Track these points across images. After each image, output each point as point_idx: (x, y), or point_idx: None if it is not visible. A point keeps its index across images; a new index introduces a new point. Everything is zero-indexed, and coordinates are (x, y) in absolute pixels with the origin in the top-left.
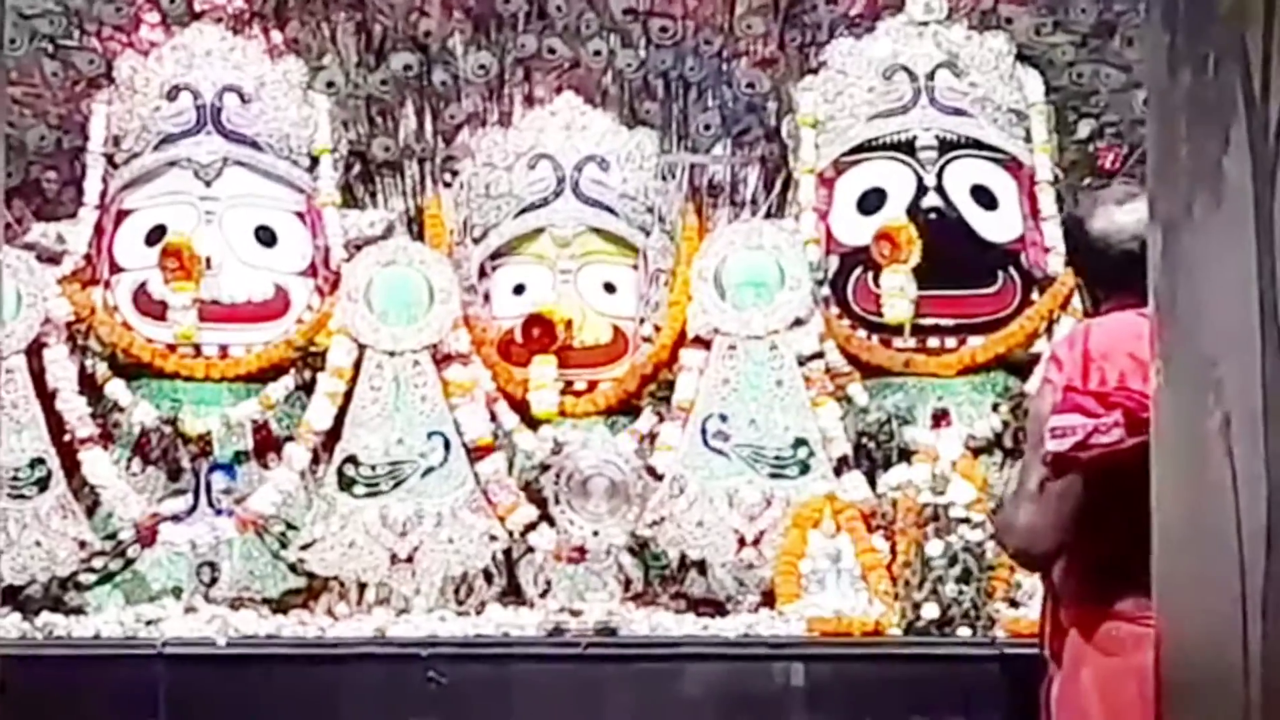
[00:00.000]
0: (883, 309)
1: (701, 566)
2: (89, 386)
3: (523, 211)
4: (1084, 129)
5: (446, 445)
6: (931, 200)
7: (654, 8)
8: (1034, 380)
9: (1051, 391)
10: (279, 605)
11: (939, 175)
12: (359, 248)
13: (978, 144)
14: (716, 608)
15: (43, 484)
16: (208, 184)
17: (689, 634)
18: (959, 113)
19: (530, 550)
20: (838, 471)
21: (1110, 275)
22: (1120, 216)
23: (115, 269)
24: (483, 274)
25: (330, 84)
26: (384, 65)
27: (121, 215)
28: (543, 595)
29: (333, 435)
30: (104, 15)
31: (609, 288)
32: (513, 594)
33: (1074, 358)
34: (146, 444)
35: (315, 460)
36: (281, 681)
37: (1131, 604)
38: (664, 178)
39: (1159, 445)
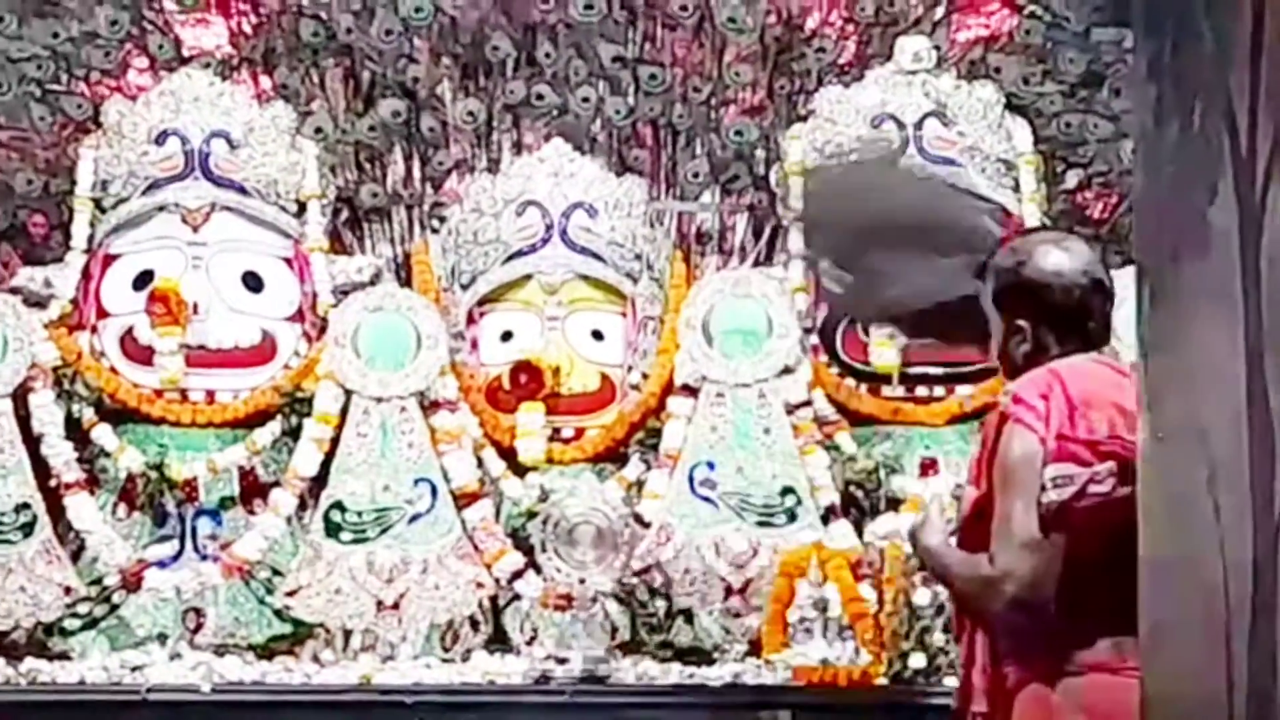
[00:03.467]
0: (871, 357)
1: (688, 615)
2: (75, 431)
3: (511, 258)
4: (1072, 179)
5: (433, 492)
6: None
7: (643, 55)
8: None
9: (1036, 439)
10: (264, 652)
11: None
12: (346, 293)
13: (967, 193)
14: (703, 656)
15: (28, 529)
16: (195, 229)
17: (676, 682)
18: (948, 162)
19: (517, 597)
20: (825, 520)
21: (1062, 316)
22: (1063, 256)
23: (102, 314)
24: (470, 320)
25: (318, 130)
26: (372, 111)
27: (109, 260)
28: (529, 643)
29: (319, 481)
30: (92, 60)
31: (597, 335)
32: (499, 641)
33: (1058, 405)
34: (132, 489)
35: (302, 506)
36: None
37: (1110, 654)
38: (652, 225)
39: (1146, 495)
